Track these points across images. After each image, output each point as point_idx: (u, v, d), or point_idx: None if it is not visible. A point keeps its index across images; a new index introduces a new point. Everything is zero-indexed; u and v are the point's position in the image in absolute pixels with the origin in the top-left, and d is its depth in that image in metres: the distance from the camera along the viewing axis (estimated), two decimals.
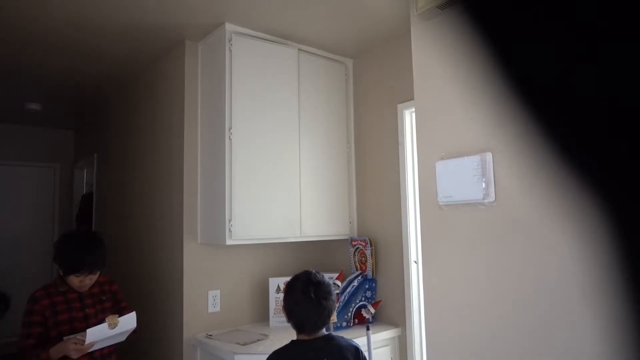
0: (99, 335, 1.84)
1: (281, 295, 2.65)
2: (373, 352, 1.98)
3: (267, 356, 1.56)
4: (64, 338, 1.85)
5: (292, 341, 1.58)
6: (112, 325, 1.86)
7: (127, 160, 3.49)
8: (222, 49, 2.43)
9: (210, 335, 2.43)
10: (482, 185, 1.31)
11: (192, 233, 2.56)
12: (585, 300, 1.05)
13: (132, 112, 3.42)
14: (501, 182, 1.28)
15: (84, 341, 1.81)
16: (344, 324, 2.53)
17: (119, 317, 1.90)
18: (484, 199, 1.31)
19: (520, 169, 1.21)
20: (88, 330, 1.80)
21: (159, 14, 2.32)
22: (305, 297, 1.52)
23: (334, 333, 2.36)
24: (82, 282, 1.96)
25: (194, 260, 2.54)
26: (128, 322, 1.92)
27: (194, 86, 2.65)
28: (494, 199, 1.29)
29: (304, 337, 1.56)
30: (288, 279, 2.64)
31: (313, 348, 1.52)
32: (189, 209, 2.57)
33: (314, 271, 1.62)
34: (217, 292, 2.60)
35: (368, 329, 1.92)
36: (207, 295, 2.56)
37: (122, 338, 2.00)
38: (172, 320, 2.59)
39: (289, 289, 1.60)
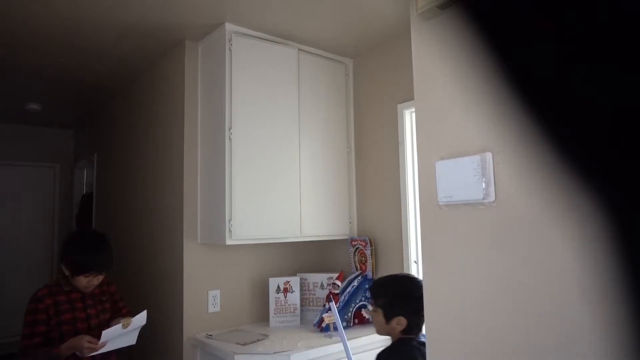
0: (112, 334, 1.90)
1: (281, 295, 2.66)
2: (372, 352, 1.97)
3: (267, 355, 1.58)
4: (80, 335, 1.90)
5: (399, 339, 1.66)
6: (126, 325, 1.92)
7: (127, 160, 3.49)
8: (222, 49, 2.43)
9: (210, 335, 2.43)
10: (482, 185, 1.31)
11: (192, 233, 2.56)
12: (585, 300, 1.05)
13: (132, 112, 3.42)
14: (501, 182, 1.28)
15: (98, 340, 1.87)
16: (344, 324, 2.53)
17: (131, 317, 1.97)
18: (484, 199, 1.30)
19: (521, 169, 1.21)
20: (103, 332, 1.86)
21: (159, 14, 2.32)
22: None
23: (334, 333, 2.36)
24: (90, 282, 1.99)
25: (194, 260, 2.54)
26: (140, 320, 1.98)
27: (194, 86, 2.65)
28: (494, 199, 1.29)
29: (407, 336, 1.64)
30: (288, 279, 2.68)
31: (415, 345, 1.61)
32: (189, 209, 2.57)
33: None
34: (217, 292, 2.60)
35: (330, 300, 1.92)
36: (207, 295, 2.56)
37: (133, 340, 2.04)
38: (172, 320, 2.59)
39: (411, 297, 1.62)
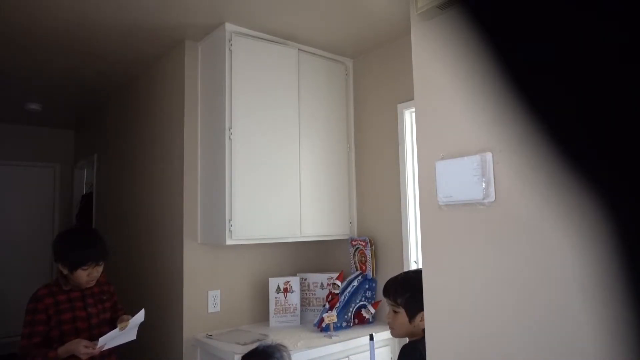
0: (110, 338, 1.91)
1: (281, 295, 2.66)
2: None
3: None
4: (77, 339, 1.90)
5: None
6: (123, 328, 1.93)
7: (127, 160, 3.49)
8: (222, 49, 2.43)
9: (210, 335, 2.43)
10: (482, 185, 1.31)
11: (192, 233, 2.56)
12: (585, 300, 1.05)
13: (132, 112, 3.42)
14: (501, 182, 1.28)
15: (95, 345, 1.87)
16: (344, 324, 2.53)
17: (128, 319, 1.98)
18: (484, 199, 1.30)
19: (521, 169, 1.21)
20: (100, 339, 1.87)
21: (159, 14, 2.32)
22: None
23: (334, 333, 2.37)
24: (91, 274, 1.99)
25: (194, 260, 2.54)
26: (137, 319, 1.99)
27: (194, 86, 2.65)
28: (494, 199, 1.29)
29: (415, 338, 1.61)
30: (288, 279, 2.68)
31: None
32: (189, 209, 2.57)
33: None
34: (217, 292, 2.60)
35: (371, 338, 1.80)
36: (207, 295, 2.56)
37: (133, 336, 2.05)
38: (172, 320, 2.59)
39: None
